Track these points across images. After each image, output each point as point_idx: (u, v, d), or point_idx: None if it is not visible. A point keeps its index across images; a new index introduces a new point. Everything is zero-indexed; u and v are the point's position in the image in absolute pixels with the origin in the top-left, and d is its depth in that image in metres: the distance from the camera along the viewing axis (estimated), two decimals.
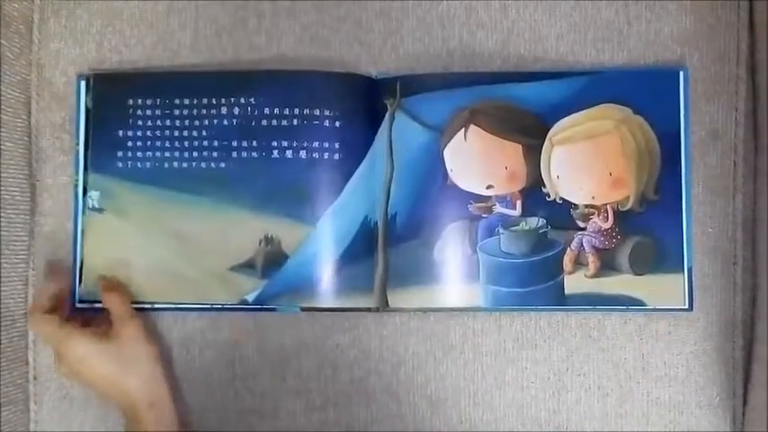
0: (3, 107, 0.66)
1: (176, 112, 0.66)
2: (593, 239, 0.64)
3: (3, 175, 0.66)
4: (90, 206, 0.66)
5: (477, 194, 0.65)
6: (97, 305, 0.66)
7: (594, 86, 0.65)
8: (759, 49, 0.65)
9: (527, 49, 0.67)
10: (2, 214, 0.66)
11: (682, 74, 0.64)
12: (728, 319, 0.65)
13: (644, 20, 0.66)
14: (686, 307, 0.64)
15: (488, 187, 0.65)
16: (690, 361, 0.66)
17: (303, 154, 0.65)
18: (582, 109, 0.64)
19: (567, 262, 0.64)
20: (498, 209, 0.65)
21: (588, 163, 0.64)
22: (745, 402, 0.65)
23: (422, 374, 0.67)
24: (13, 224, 0.67)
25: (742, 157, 0.66)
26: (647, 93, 0.64)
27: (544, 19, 0.67)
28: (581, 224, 0.65)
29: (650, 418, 0.66)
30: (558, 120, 0.65)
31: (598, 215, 0.64)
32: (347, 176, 0.65)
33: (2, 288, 0.66)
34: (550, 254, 0.65)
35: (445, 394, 0.67)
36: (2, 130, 0.66)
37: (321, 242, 0.65)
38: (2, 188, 0.66)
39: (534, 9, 0.67)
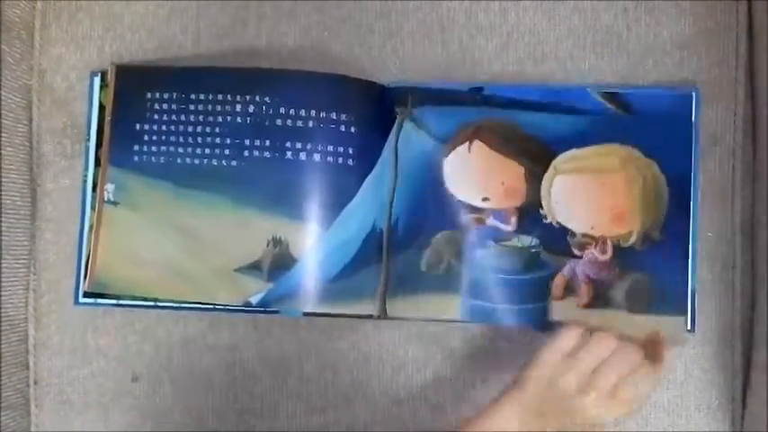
0: (4, 112, 0.66)
1: (192, 107, 0.65)
2: (588, 269, 0.64)
3: (4, 180, 0.66)
4: (106, 199, 0.66)
5: (472, 205, 0.65)
6: (101, 300, 0.67)
7: (604, 125, 0.64)
8: (758, 53, 0.65)
9: (526, 52, 0.67)
10: (3, 219, 0.66)
11: (694, 113, 0.64)
12: (727, 323, 0.65)
13: (643, 24, 0.66)
14: (688, 328, 0.64)
15: (484, 200, 0.65)
16: (689, 364, 0.66)
17: (317, 157, 0.64)
18: (589, 144, 0.64)
19: (558, 286, 0.64)
20: (491, 221, 0.65)
21: (590, 195, 0.64)
22: (743, 406, 0.65)
23: (421, 378, 0.67)
24: (14, 229, 0.67)
25: (741, 162, 0.65)
26: (659, 136, 0.64)
27: (544, 23, 0.67)
28: (576, 252, 0.64)
29: (649, 420, 0.66)
30: (565, 150, 0.64)
31: (595, 246, 0.64)
32: (359, 182, 0.65)
33: (3, 293, 0.66)
34: (539, 275, 0.64)
35: (444, 398, 0.67)
36: (3, 135, 0.66)
37: (330, 247, 0.64)
38: (3, 193, 0.66)
39: (534, 13, 0.67)
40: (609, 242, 0.63)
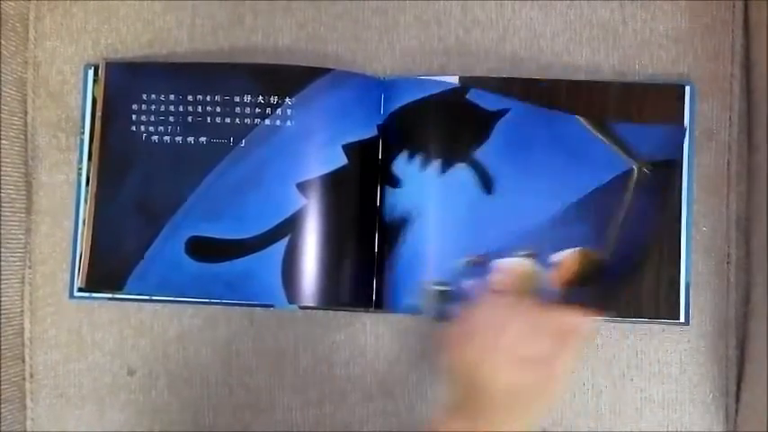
0: None
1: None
2: None
3: None
4: None
5: None
6: (96, 294, 0.67)
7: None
8: (754, 48, 0.65)
9: (522, 47, 0.67)
10: None
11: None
12: (722, 318, 0.66)
13: (639, 19, 0.66)
14: (682, 321, 0.64)
15: None
16: (683, 359, 0.66)
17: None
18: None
19: None
20: None
21: None
22: (738, 400, 0.66)
23: (417, 372, 0.67)
24: (10, 222, 0.67)
25: (736, 156, 0.66)
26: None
27: (540, 17, 0.67)
28: None
29: (644, 415, 0.66)
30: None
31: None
32: None
33: None
34: None
35: (441, 392, 0.67)
36: None
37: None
38: None
39: (530, 7, 0.67)
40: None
